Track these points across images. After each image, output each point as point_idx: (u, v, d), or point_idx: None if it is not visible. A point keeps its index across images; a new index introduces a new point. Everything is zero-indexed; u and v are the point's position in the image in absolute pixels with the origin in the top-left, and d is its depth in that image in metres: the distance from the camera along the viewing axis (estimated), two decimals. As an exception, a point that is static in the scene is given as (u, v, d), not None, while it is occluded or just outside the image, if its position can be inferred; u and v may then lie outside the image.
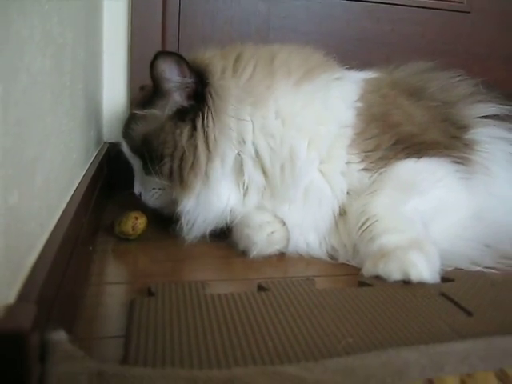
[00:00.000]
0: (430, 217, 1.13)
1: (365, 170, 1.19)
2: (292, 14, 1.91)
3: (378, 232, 1.06)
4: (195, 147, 1.17)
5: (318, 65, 1.29)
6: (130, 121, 1.29)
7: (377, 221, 1.08)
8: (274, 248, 1.18)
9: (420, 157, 1.19)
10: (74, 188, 1.04)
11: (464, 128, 1.30)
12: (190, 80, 1.19)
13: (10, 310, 0.53)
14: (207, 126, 1.17)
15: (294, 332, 0.77)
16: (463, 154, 1.23)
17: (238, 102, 1.19)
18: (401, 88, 1.33)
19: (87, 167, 1.26)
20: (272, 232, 1.18)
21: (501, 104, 1.37)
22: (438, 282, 0.99)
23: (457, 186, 1.19)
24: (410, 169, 1.18)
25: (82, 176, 1.16)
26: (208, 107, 1.18)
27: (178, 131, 1.18)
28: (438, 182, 1.18)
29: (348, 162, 1.20)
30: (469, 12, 2.07)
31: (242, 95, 1.19)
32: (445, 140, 1.24)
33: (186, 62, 1.18)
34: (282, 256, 1.19)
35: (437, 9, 2.03)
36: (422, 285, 0.97)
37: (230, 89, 1.19)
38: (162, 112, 1.21)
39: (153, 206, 1.31)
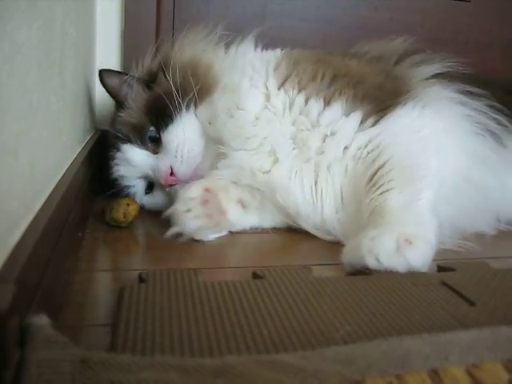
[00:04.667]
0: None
1: (311, 99, 1.21)
2: (290, 0, 1.88)
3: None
4: None
5: None
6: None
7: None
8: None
9: (384, 110, 1.20)
10: (64, 171, 1.01)
11: (408, 88, 1.28)
12: None
13: (-13, 290, 0.50)
14: None
15: (290, 320, 0.74)
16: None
17: None
18: (335, 53, 1.37)
19: (78, 152, 1.22)
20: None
21: (446, 62, 1.35)
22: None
23: (444, 139, 1.20)
24: (403, 150, 1.16)
25: (72, 160, 1.12)
26: None
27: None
28: (431, 150, 1.17)
29: (289, 95, 1.23)
30: (469, 1, 2.04)
31: None
32: (391, 84, 1.26)
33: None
34: (278, 244, 1.16)
35: (436, -3, 2.00)
36: (422, 274, 0.94)
37: None
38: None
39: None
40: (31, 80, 0.73)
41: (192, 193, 1.17)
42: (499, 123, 1.29)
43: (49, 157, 0.88)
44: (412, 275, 0.93)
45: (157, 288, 0.83)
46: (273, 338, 0.69)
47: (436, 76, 1.32)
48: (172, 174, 1.25)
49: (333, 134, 1.19)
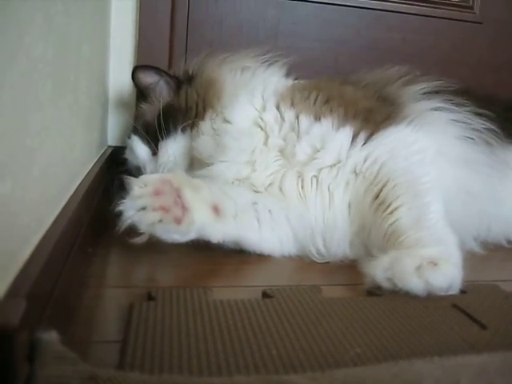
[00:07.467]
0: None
1: (301, 114, 1.24)
2: (302, 21, 1.89)
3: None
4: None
5: None
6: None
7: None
8: None
9: (376, 127, 1.22)
10: (76, 186, 1.01)
11: (399, 106, 1.31)
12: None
13: (-2, 304, 0.50)
14: None
15: (300, 341, 0.73)
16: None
17: None
18: (335, 80, 1.40)
19: (90, 167, 1.23)
20: None
21: (431, 82, 1.38)
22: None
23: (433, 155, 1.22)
24: (402, 165, 1.17)
25: (84, 175, 1.12)
26: None
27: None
28: (428, 162, 1.19)
29: (280, 111, 1.27)
30: (481, 23, 2.04)
31: None
32: (382, 108, 1.29)
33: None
34: (287, 263, 1.16)
35: (449, 19, 2.00)
36: (433, 296, 0.93)
37: None
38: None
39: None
40: (45, 95, 0.73)
41: (144, 182, 1.01)
42: (486, 128, 1.32)
43: (61, 171, 0.88)
44: (423, 297, 0.92)
45: (166, 306, 0.82)
46: (282, 358, 0.68)
47: (423, 93, 1.35)
48: None
49: (323, 146, 1.21)
